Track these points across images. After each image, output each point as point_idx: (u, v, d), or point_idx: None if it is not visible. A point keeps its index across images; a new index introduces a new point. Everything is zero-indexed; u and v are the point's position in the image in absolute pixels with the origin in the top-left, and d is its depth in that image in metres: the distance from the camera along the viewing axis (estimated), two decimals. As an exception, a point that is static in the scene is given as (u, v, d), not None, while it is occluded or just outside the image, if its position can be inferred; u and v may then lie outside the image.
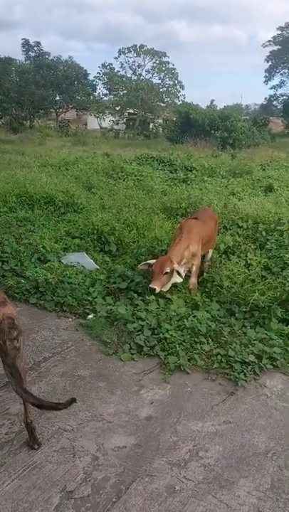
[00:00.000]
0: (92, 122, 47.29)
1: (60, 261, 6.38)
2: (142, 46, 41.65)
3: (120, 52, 42.57)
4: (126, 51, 42.26)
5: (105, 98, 43.85)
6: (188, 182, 13.48)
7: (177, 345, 4.12)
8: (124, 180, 12.78)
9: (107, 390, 3.60)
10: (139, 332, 4.41)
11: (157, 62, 41.77)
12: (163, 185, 12.51)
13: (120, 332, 4.46)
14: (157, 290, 4.87)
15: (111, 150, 22.88)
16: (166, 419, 3.29)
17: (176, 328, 4.43)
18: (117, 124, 41.98)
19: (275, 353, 4.09)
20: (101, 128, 43.11)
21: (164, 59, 41.50)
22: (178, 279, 5.12)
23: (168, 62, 41.66)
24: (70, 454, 2.89)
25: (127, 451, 2.95)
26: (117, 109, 42.35)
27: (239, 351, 4.04)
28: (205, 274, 5.84)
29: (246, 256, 6.31)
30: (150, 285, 4.92)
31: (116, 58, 43.98)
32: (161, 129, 40.39)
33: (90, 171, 13.84)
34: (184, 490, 2.65)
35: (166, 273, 4.92)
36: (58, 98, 43.98)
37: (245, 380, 3.78)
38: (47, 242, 6.89)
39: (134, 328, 4.46)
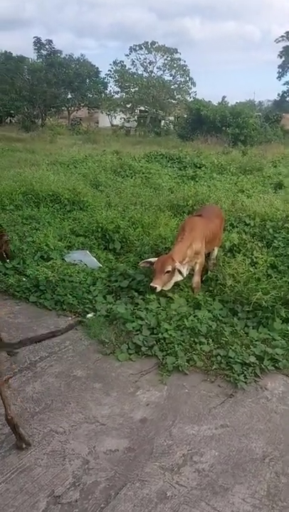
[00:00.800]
0: (104, 120, 47.22)
1: (63, 259, 6.32)
2: (153, 43, 41.44)
3: (131, 49, 42.37)
4: (137, 48, 42.05)
5: (116, 96, 43.74)
6: (197, 179, 13.35)
7: (176, 346, 4.03)
8: (131, 178, 12.70)
9: (102, 391, 3.52)
10: (138, 332, 4.32)
11: (168, 59, 41.49)
12: (171, 182, 12.41)
13: (119, 331, 4.38)
14: (158, 289, 4.77)
15: (121, 148, 22.82)
16: (161, 421, 3.20)
17: (176, 327, 4.34)
18: (128, 121, 41.82)
19: (277, 354, 3.98)
20: (112, 126, 43.02)
21: (176, 55, 41.23)
22: (179, 278, 5.01)
23: (179, 59, 41.42)
24: (61, 457, 2.81)
25: (119, 454, 2.87)
26: (128, 106, 42.16)
27: (240, 352, 3.94)
28: (209, 272, 5.73)
29: (252, 254, 6.19)
30: (151, 284, 4.82)
31: (127, 55, 43.81)
32: (172, 126, 40.14)
33: (98, 168, 13.78)
34: (175, 496, 2.56)
35: (168, 272, 4.82)
36: (69, 96, 44.02)
37: (245, 382, 3.67)
38: (51, 240, 6.83)
39: (133, 328, 4.38)
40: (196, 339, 4.15)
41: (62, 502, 2.48)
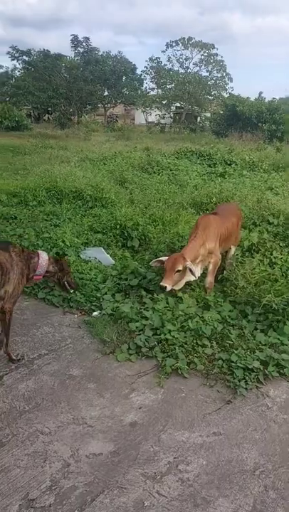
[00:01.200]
0: (140, 117, 47.23)
1: (78, 256, 6.28)
2: (189, 39, 40.96)
3: (168, 45, 42.06)
4: (173, 44, 41.72)
5: (152, 92, 43.55)
6: (226, 176, 13.11)
7: (177, 347, 3.89)
8: (158, 175, 12.59)
9: (95, 392, 3.44)
10: (141, 332, 4.21)
11: (205, 54, 40.93)
12: (198, 179, 12.22)
13: (122, 331, 4.28)
14: (168, 288, 4.63)
15: (154, 144, 22.70)
16: (151, 426, 3.09)
17: (180, 329, 4.20)
18: (163, 118, 41.60)
19: (283, 359, 3.78)
20: (147, 122, 42.93)
21: (213, 51, 40.67)
22: (192, 278, 4.87)
23: (216, 54, 40.79)
24: (42, 458, 2.75)
25: (102, 459, 2.77)
26: (164, 103, 41.93)
27: (243, 356, 3.76)
28: (225, 272, 5.56)
29: (271, 254, 5.96)
30: (161, 283, 4.67)
31: (163, 52, 43.52)
32: (208, 122, 39.66)
33: (126, 165, 13.73)
34: (153, 506, 2.44)
35: (179, 271, 4.66)
36: (106, 93, 44.22)
37: (246, 388, 3.50)
38: (68, 236, 6.80)
39: (137, 328, 4.27)
40: (199, 341, 4.01)
41: (35, 506, 2.41)
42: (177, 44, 41.69)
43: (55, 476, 2.63)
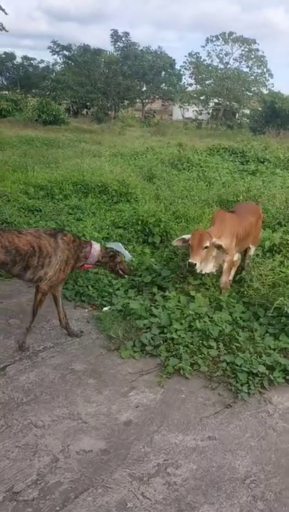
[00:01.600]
0: (178, 113, 47.00)
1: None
2: (230, 33, 40.38)
3: (208, 40, 41.58)
4: (214, 39, 41.24)
5: (190, 88, 43.18)
6: (258, 174, 12.84)
7: (182, 347, 3.83)
8: (188, 171, 12.47)
9: (95, 388, 3.42)
10: (148, 329, 4.17)
11: (246, 49, 40.27)
12: (228, 176, 12.02)
13: (129, 327, 4.25)
14: (198, 265, 4.45)
15: (188, 140, 22.57)
16: (146, 426, 3.04)
17: (187, 328, 4.13)
18: (201, 114, 41.20)
19: (289, 365, 3.65)
20: (185, 118, 42.63)
21: (253, 46, 39.94)
22: (210, 268, 4.75)
23: (257, 50, 40.05)
24: (32, 451, 2.75)
25: (91, 456, 2.76)
26: (202, 98, 41.49)
27: (249, 360, 3.66)
28: (243, 272, 5.43)
29: (293, 255, 5.79)
30: (189, 260, 4.48)
31: (203, 47, 43.16)
32: (246, 119, 39.03)
33: (156, 161, 13.67)
34: (136, 508, 2.41)
35: (206, 247, 4.46)
36: (144, 89, 44.21)
37: (248, 393, 3.41)
38: (88, 230, 6.83)
39: (144, 325, 4.23)
40: (205, 342, 3.93)
41: (18, 499, 2.42)
42: (218, 39, 41.23)
43: (43, 470, 2.62)
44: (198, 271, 4.60)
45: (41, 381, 3.46)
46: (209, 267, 4.82)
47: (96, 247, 4.03)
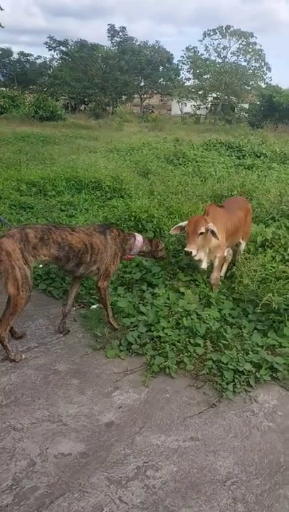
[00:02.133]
0: (177, 108, 46.75)
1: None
2: (228, 27, 40.01)
3: (205, 34, 41.21)
4: (211, 33, 40.86)
5: (188, 83, 42.96)
6: (254, 169, 12.73)
7: (168, 346, 3.76)
8: (183, 166, 12.37)
9: (77, 389, 3.36)
10: (135, 327, 4.10)
11: (244, 43, 39.95)
12: (224, 171, 11.91)
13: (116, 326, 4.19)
14: (194, 253, 4.39)
15: (186, 135, 22.42)
16: (128, 427, 2.98)
17: (175, 326, 4.06)
18: (199, 108, 40.97)
19: (277, 363, 3.58)
20: (183, 113, 42.41)
21: (251, 40, 39.61)
22: (203, 264, 4.69)
23: (255, 43, 39.71)
24: (9, 456, 2.69)
25: (69, 459, 2.69)
26: (200, 93, 41.24)
27: (235, 358, 3.59)
28: (234, 268, 5.36)
29: (285, 250, 5.71)
30: (185, 248, 4.42)
31: (200, 41, 42.77)
32: (245, 113, 38.81)
33: (152, 156, 13.56)
34: (112, 513, 2.34)
35: (202, 233, 4.39)
36: (142, 84, 43.99)
37: (234, 392, 3.34)
38: (80, 227, 6.75)
39: (132, 323, 4.17)
40: (192, 340, 3.86)
41: (-8, 505, 2.36)
42: (215, 33, 40.84)
43: (19, 475, 2.56)
44: (196, 258, 4.52)
45: (23, 383, 3.40)
46: (203, 256, 4.74)
47: (139, 239, 4.28)
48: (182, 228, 4.67)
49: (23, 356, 3.72)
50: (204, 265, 4.74)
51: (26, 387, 3.34)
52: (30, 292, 3.56)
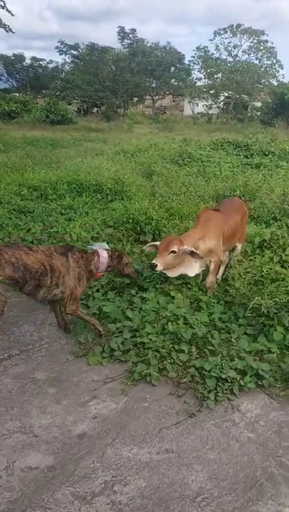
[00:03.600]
0: (189, 108, 46.56)
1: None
2: (238, 26, 39.68)
3: (216, 33, 40.95)
4: (221, 32, 40.58)
5: (199, 82, 42.69)
6: (262, 167, 12.53)
7: (150, 352, 3.64)
8: (188, 167, 12.23)
9: (53, 398, 3.26)
10: (120, 333, 3.99)
11: (255, 41, 39.56)
12: (230, 171, 11.73)
13: (101, 332, 4.08)
14: (159, 267, 4.27)
15: (196, 135, 22.28)
16: (100, 439, 2.87)
17: (160, 331, 3.94)
18: (211, 108, 40.68)
19: (262, 370, 3.43)
20: (195, 113, 42.18)
21: (262, 37, 39.22)
22: (191, 270, 4.58)
23: (266, 41, 39.31)
24: (-26, 469, 2.61)
25: (36, 473, 2.60)
26: (211, 93, 40.95)
27: (219, 364, 3.45)
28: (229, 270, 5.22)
29: (283, 251, 5.54)
30: (152, 261, 4.34)
31: (211, 40, 42.49)
32: (256, 112, 38.40)
33: (158, 157, 13.45)
34: (72, 532, 2.24)
35: (173, 252, 4.29)
36: (154, 85, 43.90)
37: (216, 400, 3.21)
38: (77, 230, 6.68)
39: (117, 329, 4.06)
40: (176, 346, 3.74)
41: None
42: (225, 32, 40.56)
43: (-19, 489, 2.48)
44: (157, 272, 4.41)
45: (-1, 392, 3.32)
46: (194, 270, 4.64)
47: (104, 255, 4.06)
48: (156, 247, 4.58)
49: None
50: (192, 274, 4.63)
51: (1, 396, 3.26)
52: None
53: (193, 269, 4.65)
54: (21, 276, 3.46)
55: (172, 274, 4.53)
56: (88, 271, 3.92)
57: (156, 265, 4.25)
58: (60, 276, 3.67)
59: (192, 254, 4.33)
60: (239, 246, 5.46)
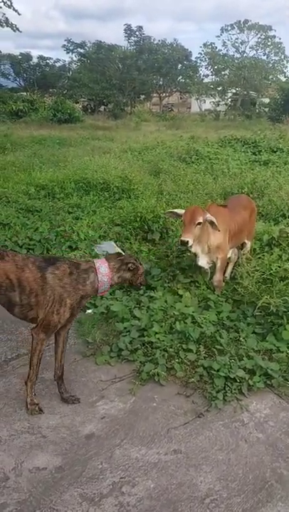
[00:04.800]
0: (196, 105, 46.40)
1: (92, 249, 6.13)
2: (245, 21, 39.43)
3: (223, 29, 40.73)
4: (229, 28, 40.36)
5: (207, 79, 42.50)
6: (270, 164, 12.44)
7: (158, 352, 3.62)
8: (196, 164, 12.19)
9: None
10: (128, 333, 3.97)
11: (262, 37, 39.29)
12: (238, 168, 11.66)
13: (110, 331, 4.08)
14: (190, 243, 4.16)
15: (203, 132, 22.20)
16: (108, 439, 2.86)
17: (168, 331, 3.92)
18: (218, 105, 40.49)
19: (271, 369, 3.40)
20: (202, 110, 41.99)
21: (270, 33, 38.94)
22: (204, 263, 4.55)
23: (274, 36, 39.02)
24: (-18, 470, 2.61)
25: (44, 474, 2.59)
26: (219, 89, 40.75)
27: (227, 364, 3.42)
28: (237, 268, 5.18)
29: (292, 249, 5.49)
30: (181, 238, 4.19)
31: (218, 37, 42.38)
32: (263, 108, 38.17)
33: (165, 155, 13.42)
34: (81, 533, 2.23)
35: (199, 223, 4.19)
36: (161, 82, 43.79)
37: (224, 400, 3.18)
38: (84, 229, 6.67)
39: (125, 328, 4.05)
40: (184, 345, 3.71)
41: None
42: (232, 28, 40.36)
43: (-11, 490, 2.47)
44: (192, 250, 4.35)
45: (7, 392, 3.31)
46: (204, 262, 4.62)
47: (102, 270, 3.05)
48: (178, 215, 4.50)
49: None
50: (201, 262, 4.59)
51: (10, 397, 3.26)
52: None
53: (203, 259, 4.62)
54: None
55: (194, 248, 4.34)
56: (76, 293, 2.98)
57: (188, 241, 4.11)
58: (32, 295, 2.92)
59: (212, 224, 4.26)
60: (248, 243, 5.42)
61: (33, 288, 2.91)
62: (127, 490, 2.48)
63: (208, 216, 4.25)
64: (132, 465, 2.65)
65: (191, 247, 4.25)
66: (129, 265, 3.19)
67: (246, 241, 5.38)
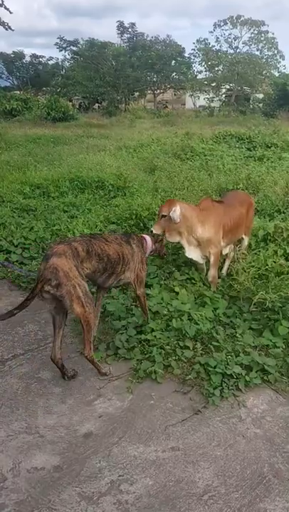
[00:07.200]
0: (191, 101, 46.33)
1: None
2: (238, 17, 39.37)
3: (216, 25, 40.64)
4: (221, 24, 40.26)
5: (200, 75, 42.41)
6: (264, 159, 12.44)
7: (155, 349, 3.62)
8: (191, 161, 12.16)
9: (59, 398, 3.25)
10: (125, 330, 3.97)
11: (255, 32, 39.24)
12: (233, 164, 11.65)
13: (107, 329, 4.08)
14: (154, 231, 4.38)
15: (198, 129, 22.15)
16: (106, 438, 2.86)
17: (165, 328, 3.92)
18: (212, 101, 40.44)
19: (268, 365, 3.41)
20: (197, 107, 41.94)
21: (263, 28, 38.90)
22: (187, 251, 4.63)
23: (267, 32, 39.00)
24: (-21, 471, 2.60)
25: (42, 474, 2.59)
26: (213, 85, 40.69)
27: (224, 360, 3.43)
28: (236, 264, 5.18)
29: (287, 244, 5.50)
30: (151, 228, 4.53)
31: (211, 32, 42.24)
32: (260, 103, 38.15)
33: (160, 152, 13.40)
34: (79, 532, 2.23)
35: (164, 216, 4.37)
36: (155, 79, 43.69)
37: (221, 396, 3.19)
38: (79, 228, 6.66)
39: (122, 326, 4.05)
40: (181, 342, 3.72)
41: None
42: (225, 23, 40.23)
43: (-13, 491, 2.47)
44: (171, 240, 4.61)
45: (4, 393, 3.31)
46: (194, 255, 4.64)
47: (148, 239, 4.20)
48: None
49: (110, 369, 3.57)
50: (189, 254, 4.64)
51: (6, 397, 3.25)
52: (93, 305, 3.37)
53: (192, 252, 4.65)
54: (104, 266, 3.56)
55: (170, 239, 4.57)
56: (144, 253, 4.07)
57: (151, 231, 4.40)
58: (127, 262, 3.79)
59: (170, 219, 4.32)
60: (246, 239, 5.41)
61: (128, 258, 3.80)
62: (125, 488, 2.48)
63: (174, 210, 4.29)
64: (130, 463, 2.65)
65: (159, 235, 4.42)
66: (159, 237, 4.38)
67: (244, 236, 5.38)
